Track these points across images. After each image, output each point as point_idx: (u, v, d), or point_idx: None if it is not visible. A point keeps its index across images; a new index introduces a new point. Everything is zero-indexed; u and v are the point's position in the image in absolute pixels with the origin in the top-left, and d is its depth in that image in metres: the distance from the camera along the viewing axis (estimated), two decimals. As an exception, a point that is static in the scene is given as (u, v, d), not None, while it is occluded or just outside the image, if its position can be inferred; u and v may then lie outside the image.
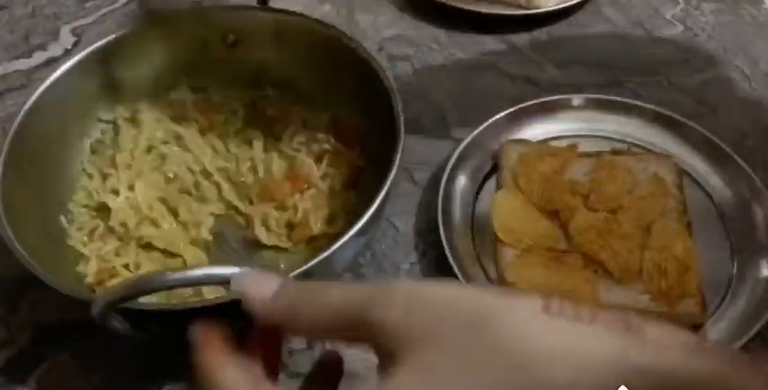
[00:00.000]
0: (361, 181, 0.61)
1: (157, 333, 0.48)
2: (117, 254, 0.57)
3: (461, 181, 0.63)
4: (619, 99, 0.67)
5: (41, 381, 0.54)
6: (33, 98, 0.56)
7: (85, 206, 0.60)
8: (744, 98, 0.71)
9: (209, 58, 0.64)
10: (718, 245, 0.59)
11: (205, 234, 0.59)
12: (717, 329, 0.54)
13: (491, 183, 0.63)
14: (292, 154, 0.62)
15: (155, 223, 0.58)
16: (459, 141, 0.64)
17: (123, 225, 0.58)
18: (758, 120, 0.69)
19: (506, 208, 0.59)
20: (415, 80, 0.74)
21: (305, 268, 0.45)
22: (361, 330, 0.28)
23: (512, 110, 0.66)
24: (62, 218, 0.58)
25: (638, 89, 0.72)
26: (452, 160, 0.62)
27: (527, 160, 0.62)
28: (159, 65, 0.64)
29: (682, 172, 0.62)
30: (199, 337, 0.32)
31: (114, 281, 0.55)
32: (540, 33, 0.78)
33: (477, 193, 0.63)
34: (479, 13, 0.77)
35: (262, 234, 0.58)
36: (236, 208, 0.60)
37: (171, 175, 0.61)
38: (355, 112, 0.62)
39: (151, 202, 0.59)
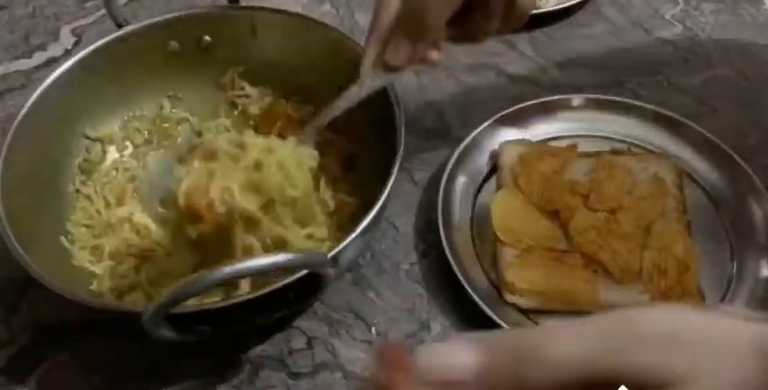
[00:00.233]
0: (358, 166, 0.62)
1: (205, 333, 0.48)
2: (137, 271, 0.57)
3: (461, 181, 0.63)
4: (619, 99, 0.68)
5: (41, 381, 0.54)
6: (33, 98, 0.56)
7: (86, 226, 0.59)
8: (744, 98, 0.71)
9: (183, 64, 0.65)
10: (717, 245, 0.59)
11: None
12: (717, 329, 0.54)
13: (491, 183, 0.64)
14: None
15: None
16: (459, 141, 0.64)
17: (131, 245, 0.58)
18: (758, 120, 0.69)
19: (506, 208, 0.59)
20: (415, 80, 0.74)
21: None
22: (603, 377, 0.27)
23: (512, 110, 0.66)
24: (62, 239, 0.57)
25: (638, 89, 0.72)
26: (452, 160, 0.62)
27: (527, 160, 0.62)
28: (132, 77, 0.64)
29: (682, 172, 0.62)
30: (387, 356, 0.29)
31: (134, 295, 0.55)
32: (540, 33, 0.78)
33: (477, 193, 0.63)
34: (479, 13, 0.77)
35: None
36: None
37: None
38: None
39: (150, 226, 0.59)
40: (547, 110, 0.67)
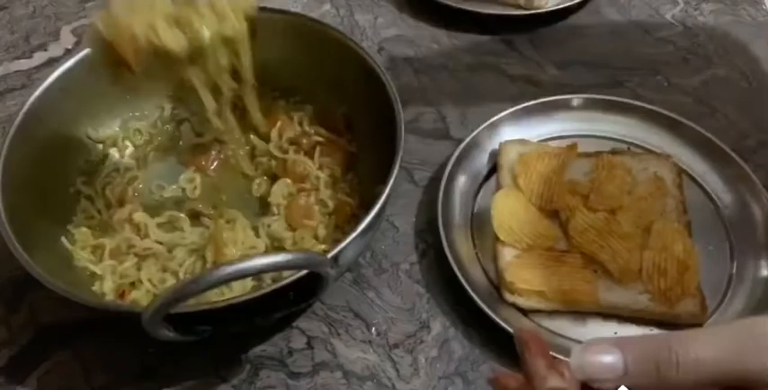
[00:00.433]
0: (358, 165, 0.62)
1: (205, 333, 0.48)
2: (138, 269, 0.57)
3: (461, 181, 0.63)
4: (619, 99, 0.67)
5: (42, 381, 0.54)
6: (33, 98, 0.56)
7: (87, 226, 0.59)
8: (744, 98, 0.71)
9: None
10: (717, 245, 0.59)
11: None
12: (716, 329, 0.54)
13: (491, 183, 0.64)
14: (282, 156, 0.62)
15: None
16: (459, 141, 0.64)
17: (132, 245, 0.58)
18: (758, 120, 0.69)
19: (506, 208, 0.59)
20: (414, 80, 0.74)
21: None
22: (737, 378, 0.29)
23: (512, 110, 0.66)
24: (63, 239, 0.58)
25: (638, 89, 0.72)
26: (452, 160, 0.62)
27: (527, 160, 0.62)
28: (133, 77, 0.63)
29: (681, 172, 0.62)
30: (529, 343, 0.32)
31: (135, 294, 0.55)
32: (540, 33, 0.78)
33: (477, 193, 0.63)
34: (479, 13, 0.77)
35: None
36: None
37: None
38: (343, 102, 0.63)
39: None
40: (547, 110, 0.67)
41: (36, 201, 0.55)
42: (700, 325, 0.54)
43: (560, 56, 0.76)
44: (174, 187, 0.63)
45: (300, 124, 0.64)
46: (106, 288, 0.56)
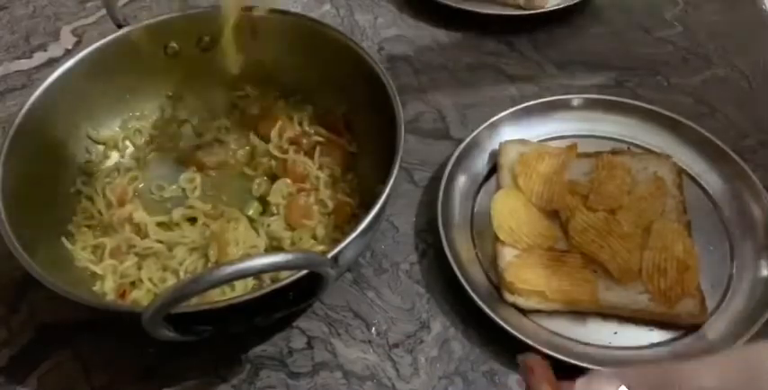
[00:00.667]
0: (358, 165, 0.62)
1: (205, 333, 0.48)
2: (139, 268, 0.57)
3: (461, 181, 0.63)
4: (619, 99, 0.67)
5: (42, 381, 0.54)
6: (33, 98, 0.56)
7: (87, 226, 0.59)
8: (744, 98, 0.71)
9: (183, 64, 0.65)
10: (717, 245, 0.59)
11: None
12: (716, 329, 0.54)
13: (491, 183, 0.64)
14: (282, 156, 0.62)
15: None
16: (459, 141, 0.64)
17: (132, 245, 0.58)
18: (758, 120, 0.69)
19: (506, 208, 0.59)
20: (414, 80, 0.74)
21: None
22: None
23: (512, 110, 0.66)
24: (63, 239, 0.57)
25: (637, 89, 0.72)
26: (452, 160, 0.62)
27: (527, 160, 0.62)
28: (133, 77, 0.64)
29: (681, 172, 0.62)
30: (533, 369, 0.33)
31: (136, 293, 0.55)
32: (540, 33, 0.78)
33: (477, 193, 0.63)
34: (479, 13, 0.77)
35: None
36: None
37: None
38: (343, 102, 0.63)
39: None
40: (547, 110, 0.67)
41: (36, 201, 0.55)
42: (700, 325, 0.54)
43: (560, 56, 0.76)
44: (174, 187, 0.63)
45: (300, 124, 0.64)
46: (107, 288, 0.56)
